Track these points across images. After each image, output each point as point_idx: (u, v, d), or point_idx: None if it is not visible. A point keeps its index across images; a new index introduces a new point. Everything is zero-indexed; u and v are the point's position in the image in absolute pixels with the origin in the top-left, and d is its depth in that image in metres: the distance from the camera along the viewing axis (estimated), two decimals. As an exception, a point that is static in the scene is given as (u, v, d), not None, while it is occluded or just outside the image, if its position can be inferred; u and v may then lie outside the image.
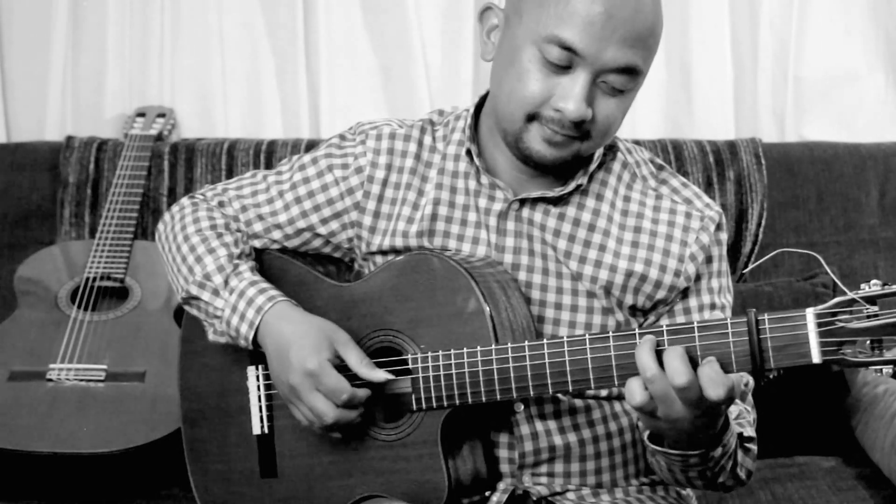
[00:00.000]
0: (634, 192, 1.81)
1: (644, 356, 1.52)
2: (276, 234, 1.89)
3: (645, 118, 2.99)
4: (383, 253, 1.83)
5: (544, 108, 1.67)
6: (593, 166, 1.79)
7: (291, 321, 1.75)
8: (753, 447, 1.74)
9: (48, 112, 3.01)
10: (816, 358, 1.47)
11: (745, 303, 2.57)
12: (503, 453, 1.77)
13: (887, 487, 2.34)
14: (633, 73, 1.66)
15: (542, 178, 1.79)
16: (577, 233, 1.78)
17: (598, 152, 1.79)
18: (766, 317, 1.49)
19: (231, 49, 3.00)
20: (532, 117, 1.69)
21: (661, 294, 1.78)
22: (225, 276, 1.81)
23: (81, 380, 2.36)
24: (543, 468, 1.78)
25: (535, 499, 1.77)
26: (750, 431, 1.74)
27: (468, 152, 1.80)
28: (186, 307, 1.88)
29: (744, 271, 1.65)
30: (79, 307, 2.51)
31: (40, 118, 3.02)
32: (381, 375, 1.71)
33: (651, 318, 1.80)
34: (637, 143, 2.81)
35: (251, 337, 1.77)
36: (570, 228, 1.78)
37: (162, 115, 2.93)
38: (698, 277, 1.79)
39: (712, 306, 1.80)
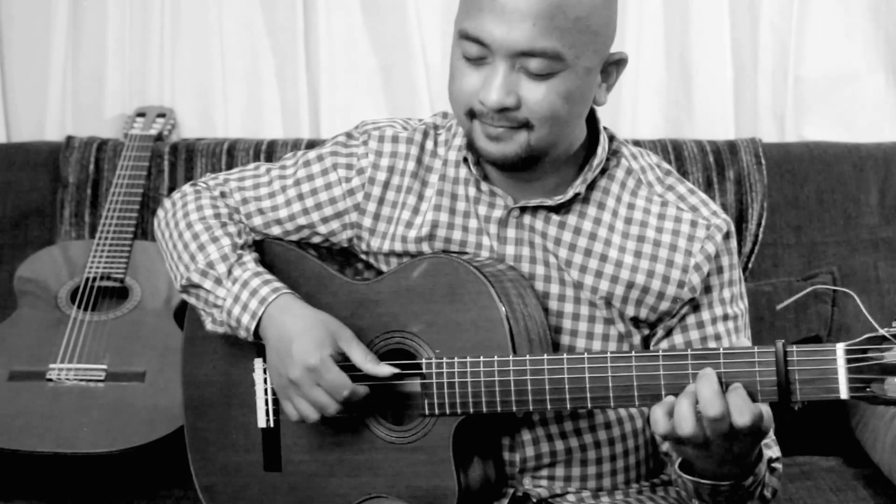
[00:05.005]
0: (639, 200, 1.77)
1: (682, 409, 1.50)
2: (276, 230, 1.87)
3: (645, 118, 2.98)
4: (385, 255, 1.82)
5: (476, 104, 1.65)
6: (593, 174, 1.75)
7: (295, 314, 1.73)
8: (779, 466, 1.72)
9: (48, 112, 3.00)
10: (844, 394, 1.45)
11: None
12: (504, 456, 1.76)
13: (887, 487, 2.33)
14: (551, 57, 1.61)
15: (538, 184, 1.76)
16: (578, 242, 1.75)
17: (599, 158, 1.74)
18: (794, 349, 1.48)
19: (231, 49, 2.99)
20: (473, 115, 1.67)
21: (664, 306, 1.74)
22: (229, 265, 1.79)
23: (81, 380, 2.36)
24: (544, 472, 1.77)
25: (534, 501, 1.76)
26: (776, 451, 1.72)
27: (465, 160, 1.77)
28: (185, 295, 1.85)
29: (777, 307, 1.63)
30: (79, 307, 2.51)
31: (40, 118, 3.02)
32: (386, 370, 1.69)
33: (659, 333, 1.77)
34: (637, 143, 2.81)
35: (253, 328, 1.75)
36: (570, 237, 1.75)
37: (162, 115, 2.93)
38: (709, 289, 1.75)
39: (725, 317, 1.76)
